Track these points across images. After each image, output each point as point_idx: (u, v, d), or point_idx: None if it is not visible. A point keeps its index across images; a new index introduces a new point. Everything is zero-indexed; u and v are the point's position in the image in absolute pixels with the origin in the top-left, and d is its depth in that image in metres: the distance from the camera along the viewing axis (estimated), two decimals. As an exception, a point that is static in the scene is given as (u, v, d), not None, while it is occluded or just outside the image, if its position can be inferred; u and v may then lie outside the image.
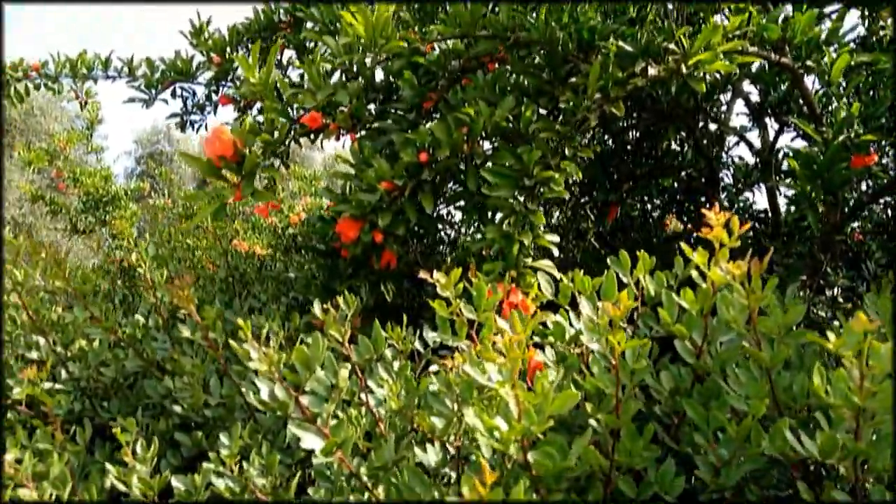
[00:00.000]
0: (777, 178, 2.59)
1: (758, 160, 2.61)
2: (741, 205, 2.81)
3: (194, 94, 2.99)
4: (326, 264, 1.90)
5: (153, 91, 2.86)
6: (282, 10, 2.65)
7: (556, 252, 1.45)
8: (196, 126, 3.07)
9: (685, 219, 2.70)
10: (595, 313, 0.98)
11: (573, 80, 1.57)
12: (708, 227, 0.85)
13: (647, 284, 1.12)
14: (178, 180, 16.81)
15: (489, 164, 1.53)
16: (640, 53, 1.57)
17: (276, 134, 1.44)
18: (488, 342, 1.08)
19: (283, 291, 2.08)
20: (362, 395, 1.15)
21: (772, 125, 2.57)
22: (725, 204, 2.72)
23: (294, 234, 7.81)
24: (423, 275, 1.13)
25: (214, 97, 3.04)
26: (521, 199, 1.45)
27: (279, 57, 2.97)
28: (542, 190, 1.46)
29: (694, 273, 1.00)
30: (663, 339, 1.07)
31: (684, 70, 1.48)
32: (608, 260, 1.16)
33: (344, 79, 1.49)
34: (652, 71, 1.54)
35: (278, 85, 1.49)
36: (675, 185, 2.48)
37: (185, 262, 2.67)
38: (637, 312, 1.13)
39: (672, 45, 1.56)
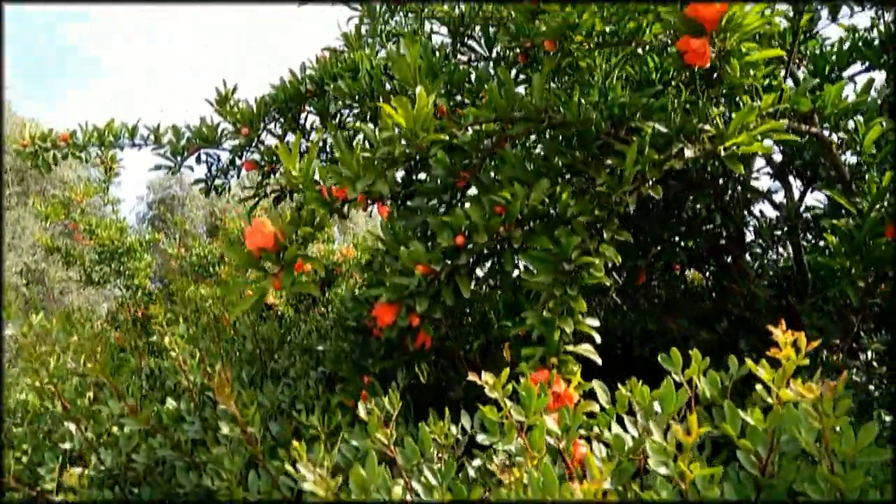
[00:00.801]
0: (803, 237, 2.57)
1: (783, 219, 2.60)
2: (766, 262, 2.78)
3: (219, 159, 3.02)
4: (357, 341, 1.88)
5: (178, 158, 2.89)
6: (308, 81, 2.69)
7: (597, 338, 1.43)
8: (219, 190, 3.09)
9: (708, 274, 2.68)
10: (655, 425, 0.96)
11: (609, 161, 1.57)
12: (776, 346, 0.83)
13: (701, 385, 1.09)
14: (189, 225, 16.95)
15: (527, 248, 1.52)
16: (675, 134, 1.57)
17: (317, 223, 1.44)
18: (540, 443, 1.06)
19: (312, 365, 2.06)
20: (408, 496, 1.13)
21: (796, 185, 2.56)
22: (749, 261, 2.70)
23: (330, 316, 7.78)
24: (471, 377, 1.11)
25: (238, 161, 3.07)
26: (561, 283, 1.44)
27: (302, 121, 3.01)
28: (582, 275, 1.44)
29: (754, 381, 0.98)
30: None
31: (722, 153, 1.48)
32: (659, 358, 1.14)
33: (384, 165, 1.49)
34: (688, 153, 1.53)
35: (317, 174, 1.50)
36: (699, 242, 2.46)
37: (207, 321, 2.64)
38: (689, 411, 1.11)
39: (707, 126, 1.57)
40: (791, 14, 1.87)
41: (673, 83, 2.02)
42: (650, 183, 1.52)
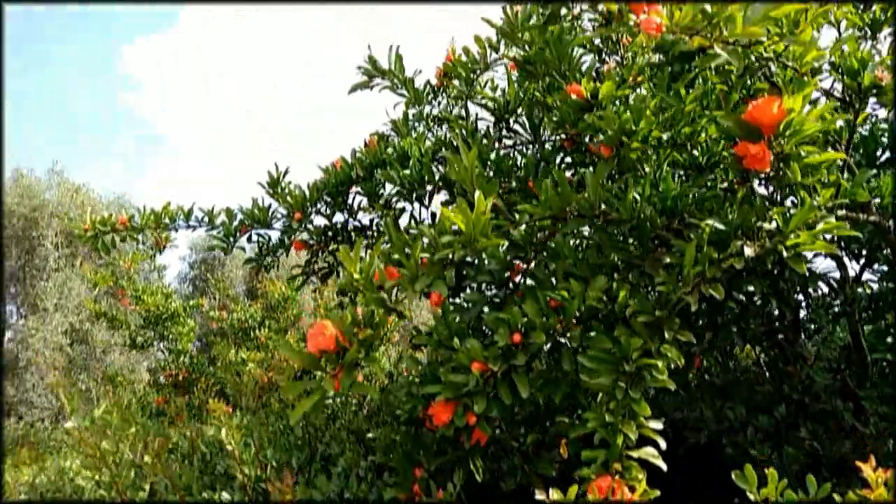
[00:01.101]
0: (860, 318, 2.51)
1: (840, 300, 2.54)
2: (824, 343, 2.71)
3: (269, 238, 3.09)
4: (409, 432, 1.87)
5: (231, 239, 2.98)
6: (358, 166, 2.77)
7: (662, 443, 1.41)
8: (269, 268, 3.15)
9: (764, 357, 2.62)
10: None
11: (666, 258, 1.57)
12: (868, 489, 0.81)
13: (779, 508, 1.06)
14: (228, 284, 17.21)
15: (586, 348, 1.51)
16: (733, 231, 1.57)
17: (376, 324, 1.46)
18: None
19: (362, 453, 2.05)
20: None
21: (852, 266, 2.52)
22: (806, 342, 2.64)
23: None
24: (538, 495, 1.10)
25: (287, 240, 3.14)
26: (623, 385, 1.42)
27: (349, 201, 3.08)
28: (644, 376, 1.43)
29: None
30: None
31: (785, 253, 1.47)
32: (733, 476, 1.11)
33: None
34: (748, 251, 1.53)
35: (377, 275, 1.53)
36: (755, 326, 2.42)
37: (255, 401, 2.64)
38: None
39: (765, 224, 1.56)
40: (847, 111, 1.87)
41: (721, 166, 2.03)
42: (710, 279, 1.51)
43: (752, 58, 1.45)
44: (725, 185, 2.22)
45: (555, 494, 1.06)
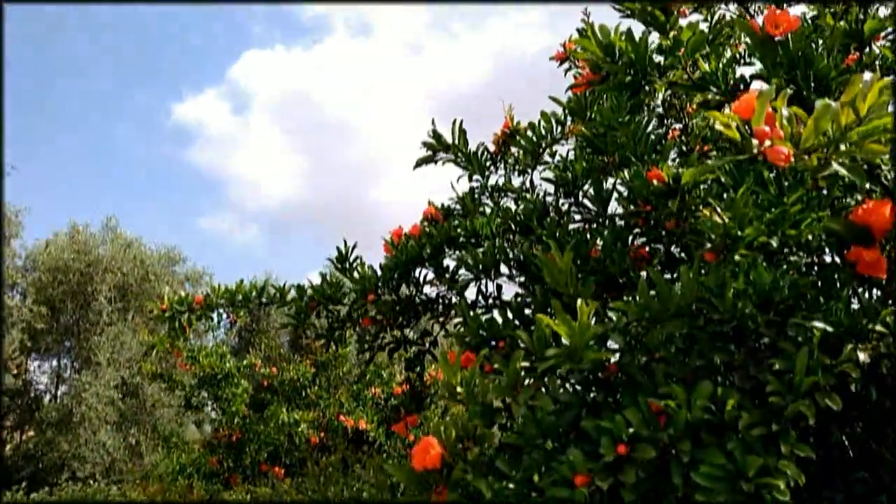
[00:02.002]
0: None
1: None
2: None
3: (339, 314, 3.11)
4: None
5: (302, 315, 3.00)
6: (428, 245, 2.78)
7: (788, 572, 1.33)
8: (337, 342, 3.16)
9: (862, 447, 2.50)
10: None
11: (775, 364, 1.51)
12: None
13: None
14: (273, 334, 17.39)
15: (696, 461, 1.45)
16: (843, 334, 1.51)
17: (481, 438, 1.43)
18: None
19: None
20: None
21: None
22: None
23: (394, 404, 7.74)
24: None
25: (354, 314, 3.16)
26: (741, 505, 1.36)
27: (417, 275, 3.09)
28: (764, 496, 1.36)
29: None
30: None
31: (904, 361, 1.40)
32: None
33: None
34: (861, 356, 1.47)
35: (477, 388, 1.51)
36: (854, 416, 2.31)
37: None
38: None
39: (878, 326, 1.50)
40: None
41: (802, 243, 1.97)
42: (825, 388, 1.45)
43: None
44: (808, 260, 2.16)
45: None
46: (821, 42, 1.84)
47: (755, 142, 1.08)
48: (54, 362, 16.33)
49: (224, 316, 3.12)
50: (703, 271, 1.91)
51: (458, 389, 1.46)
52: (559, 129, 2.95)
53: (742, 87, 2.06)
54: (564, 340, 1.43)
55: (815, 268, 2.06)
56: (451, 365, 1.48)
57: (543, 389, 1.53)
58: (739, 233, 1.52)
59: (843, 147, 1.17)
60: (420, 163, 3.26)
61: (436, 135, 3.19)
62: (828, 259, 2.11)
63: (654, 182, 2.01)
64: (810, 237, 1.59)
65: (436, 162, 3.28)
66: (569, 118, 2.93)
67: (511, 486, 1.68)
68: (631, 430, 1.51)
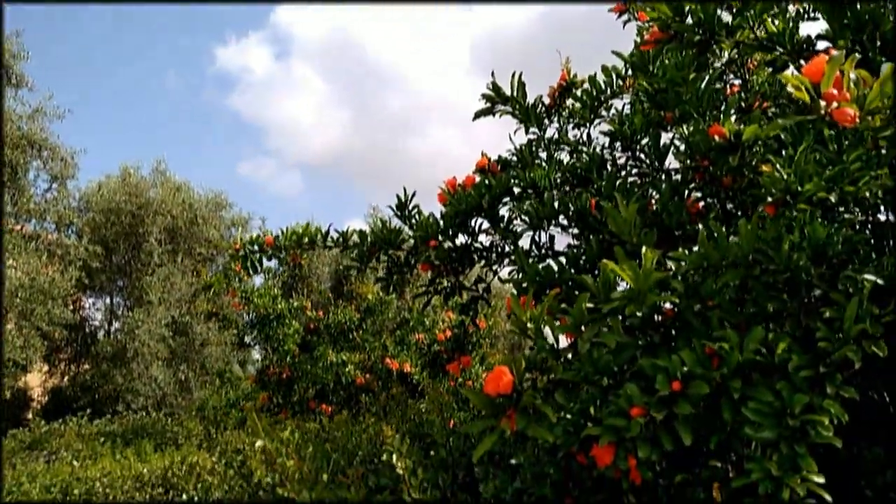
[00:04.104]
0: None
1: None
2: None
3: (398, 259, 3.27)
4: (557, 462, 1.98)
5: (363, 259, 3.17)
6: (487, 194, 2.89)
7: (828, 497, 1.46)
8: (397, 288, 3.33)
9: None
10: None
11: (826, 312, 1.61)
12: None
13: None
14: (316, 281, 17.78)
15: (746, 398, 1.57)
16: (893, 287, 1.60)
17: (549, 369, 1.57)
18: None
19: (506, 479, 2.17)
20: None
21: None
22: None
23: (437, 350, 7.94)
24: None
25: (412, 260, 3.31)
26: (787, 439, 1.48)
27: (473, 224, 3.21)
28: (808, 431, 1.48)
29: None
30: None
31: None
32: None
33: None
34: (911, 308, 1.55)
35: (546, 323, 1.65)
36: None
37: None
38: None
39: (929, 280, 1.58)
40: None
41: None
42: (872, 336, 1.55)
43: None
44: (863, 218, 2.22)
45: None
46: (889, 5, 1.86)
47: (823, 103, 1.16)
48: (108, 300, 17.05)
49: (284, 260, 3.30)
50: (760, 225, 2.00)
51: (529, 325, 1.60)
52: (618, 83, 3.00)
53: (807, 46, 2.10)
54: (629, 284, 1.55)
55: (869, 226, 2.13)
56: (521, 304, 1.62)
57: (606, 329, 1.66)
58: (800, 188, 1.60)
59: (907, 109, 1.24)
60: (479, 114, 3.34)
61: (495, 87, 3.27)
62: (882, 218, 2.18)
63: (716, 137, 2.08)
64: (867, 194, 1.67)
65: (494, 114, 3.36)
66: (628, 72, 2.97)
67: (569, 416, 1.83)
68: (685, 368, 1.63)
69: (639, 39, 3.24)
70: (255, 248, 3.09)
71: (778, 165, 1.78)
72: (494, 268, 3.29)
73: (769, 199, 1.67)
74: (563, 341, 1.92)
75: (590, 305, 1.64)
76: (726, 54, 2.97)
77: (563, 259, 2.61)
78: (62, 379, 16.01)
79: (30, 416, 13.92)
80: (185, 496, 3.09)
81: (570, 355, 1.67)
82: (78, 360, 16.41)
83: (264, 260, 3.15)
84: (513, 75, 3.25)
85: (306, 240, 3.15)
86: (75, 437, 7.68)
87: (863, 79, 1.21)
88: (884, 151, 1.75)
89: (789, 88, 1.20)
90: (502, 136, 3.55)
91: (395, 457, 1.87)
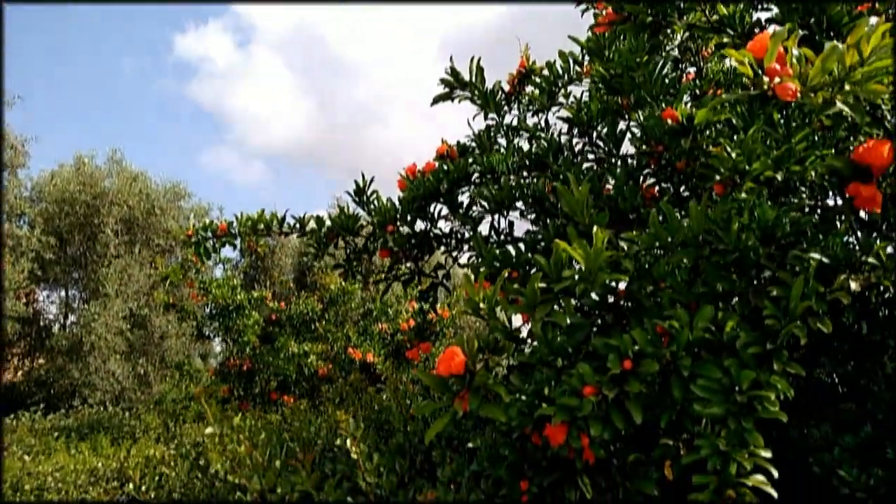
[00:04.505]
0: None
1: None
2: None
3: (356, 245, 3.24)
4: (513, 443, 1.98)
5: (321, 245, 3.13)
6: (444, 179, 2.88)
7: (775, 472, 1.49)
8: (355, 273, 3.30)
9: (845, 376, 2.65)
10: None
11: (773, 291, 1.64)
12: None
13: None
14: (277, 272, 17.60)
15: (695, 376, 1.59)
16: (838, 266, 1.63)
17: (501, 349, 1.57)
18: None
19: (463, 462, 2.17)
20: None
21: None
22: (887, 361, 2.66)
23: (400, 340, 7.92)
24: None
25: (371, 246, 3.28)
26: (734, 415, 1.51)
27: (432, 210, 3.20)
28: (755, 406, 1.50)
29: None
30: None
31: (892, 289, 1.53)
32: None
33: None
34: (853, 285, 1.59)
35: (498, 303, 1.64)
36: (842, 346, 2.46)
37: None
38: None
39: (870, 258, 1.62)
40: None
41: (807, 185, 2.08)
42: (818, 314, 1.58)
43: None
44: (811, 203, 2.27)
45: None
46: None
47: (766, 79, 1.17)
48: (63, 293, 16.59)
49: (239, 248, 3.24)
50: (710, 207, 2.02)
51: (482, 306, 1.59)
52: (575, 68, 3.01)
53: (758, 30, 2.13)
54: (579, 264, 1.56)
55: (818, 210, 2.18)
56: (474, 285, 1.61)
57: (559, 309, 1.67)
58: (748, 167, 1.63)
59: (847, 87, 1.26)
60: (437, 99, 3.32)
61: (454, 72, 3.25)
62: (829, 203, 2.23)
63: (669, 121, 2.10)
64: (813, 174, 1.70)
65: (452, 99, 3.35)
66: (586, 58, 2.98)
67: (523, 398, 1.83)
68: (636, 347, 1.65)
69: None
70: (209, 234, 3.02)
71: (727, 147, 1.80)
72: (454, 254, 3.28)
73: (717, 178, 1.68)
74: (517, 323, 1.93)
75: (542, 285, 1.64)
76: (679, 38, 3.00)
77: (521, 245, 2.61)
78: (15, 374, 15.54)
79: (-20, 412, 13.50)
80: (132, 487, 3.02)
81: (524, 336, 1.67)
82: (32, 354, 15.94)
83: (218, 247, 3.09)
84: (471, 60, 3.23)
85: (262, 226, 3.10)
86: (28, 432, 7.46)
87: (806, 56, 1.22)
88: (829, 134, 1.78)
89: (733, 62, 1.21)
90: (478, 121, 3.56)
91: (349, 441, 1.84)
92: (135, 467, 4.23)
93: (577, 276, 1.59)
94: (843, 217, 1.71)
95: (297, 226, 3.14)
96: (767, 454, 1.51)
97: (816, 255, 1.65)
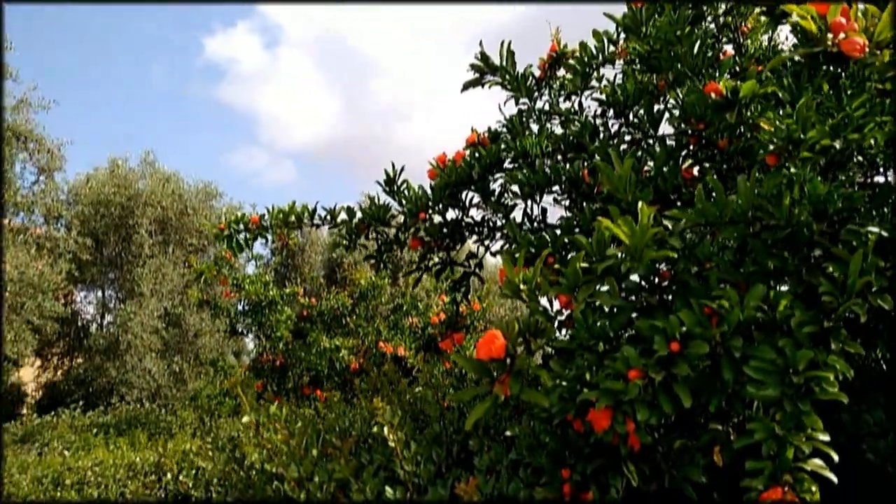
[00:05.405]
0: None
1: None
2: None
3: (387, 235, 3.20)
4: (556, 433, 1.92)
5: (353, 236, 3.09)
6: (477, 165, 2.82)
7: (835, 456, 1.41)
8: (387, 265, 3.27)
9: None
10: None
11: (828, 267, 1.55)
12: None
13: None
14: (308, 269, 17.73)
15: (747, 358, 1.52)
16: (898, 239, 1.54)
17: (542, 332, 1.51)
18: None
19: (501, 451, 2.11)
20: None
21: None
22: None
23: (431, 333, 7.88)
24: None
25: (402, 236, 3.24)
26: (790, 397, 1.43)
27: (464, 198, 3.14)
28: (813, 388, 1.43)
29: None
30: None
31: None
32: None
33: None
34: (917, 259, 1.50)
35: (538, 284, 1.58)
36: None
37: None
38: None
39: (935, 232, 1.52)
40: None
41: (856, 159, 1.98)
42: (878, 291, 1.49)
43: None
44: (862, 179, 2.16)
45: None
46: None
47: (830, 35, 1.09)
48: (99, 293, 16.91)
49: (270, 245, 3.23)
50: (759, 183, 1.93)
51: (522, 287, 1.53)
52: (610, 48, 2.92)
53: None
54: (625, 241, 1.49)
55: (868, 187, 2.07)
56: (513, 266, 1.55)
57: (603, 289, 1.60)
58: (802, 136, 1.54)
59: (915, 44, 1.18)
60: (467, 85, 3.26)
61: (483, 56, 3.19)
62: (880, 179, 2.12)
63: (712, 95, 2.01)
64: (872, 142, 1.60)
65: (483, 85, 3.28)
66: (621, 37, 2.90)
67: (564, 383, 1.77)
68: (684, 328, 1.58)
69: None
70: (241, 227, 3.01)
71: (777, 120, 1.71)
72: (486, 242, 3.23)
73: (770, 147, 1.60)
74: (557, 306, 1.87)
75: (584, 266, 1.57)
76: (722, 8, 2.89)
77: (557, 231, 2.54)
78: (55, 373, 15.90)
79: (24, 411, 13.83)
80: (170, 477, 3.04)
81: (565, 320, 1.61)
82: (71, 353, 16.29)
83: (250, 240, 3.07)
84: (501, 44, 3.16)
85: (293, 218, 3.08)
86: (68, 428, 7.60)
87: (871, 13, 1.14)
88: (888, 101, 1.68)
89: (794, 18, 1.13)
90: (509, 106, 3.50)
91: (386, 429, 1.80)
92: (172, 460, 4.27)
93: (621, 255, 1.52)
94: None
95: (328, 217, 3.11)
96: (825, 437, 1.44)
97: (875, 229, 1.56)
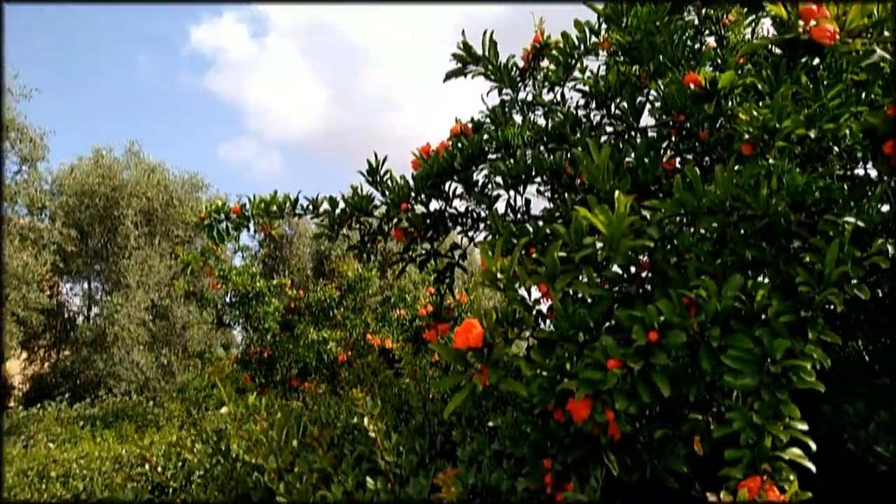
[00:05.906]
0: None
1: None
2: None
3: (370, 225, 3.19)
4: (537, 423, 1.93)
5: (335, 226, 3.08)
6: (459, 155, 2.81)
7: (812, 445, 1.42)
8: (370, 255, 3.25)
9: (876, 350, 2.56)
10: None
11: (806, 257, 1.56)
12: None
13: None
14: (296, 261, 17.66)
15: (725, 347, 1.52)
16: (874, 230, 1.55)
17: (520, 321, 1.51)
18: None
19: (484, 441, 2.12)
20: None
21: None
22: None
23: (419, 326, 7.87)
24: (710, 497, 1.13)
25: (386, 227, 3.23)
26: (768, 386, 1.44)
27: (447, 188, 3.13)
28: (790, 377, 1.44)
29: None
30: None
31: (934, 253, 1.45)
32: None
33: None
34: (892, 249, 1.51)
35: (516, 273, 1.58)
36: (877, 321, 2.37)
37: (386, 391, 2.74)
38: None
39: (910, 222, 1.53)
40: None
41: (835, 152, 1.98)
42: (854, 280, 1.50)
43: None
44: (841, 171, 2.17)
45: (712, 497, 1.10)
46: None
47: (801, 22, 1.09)
48: (85, 285, 16.79)
49: (256, 236, 3.21)
50: (737, 173, 1.94)
51: (499, 276, 1.53)
52: (592, 39, 2.92)
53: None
54: (602, 230, 1.49)
55: (847, 178, 2.08)
56: (491, 255, 1.55)
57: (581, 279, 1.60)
58: (778, 125, 1.54)
59: (886, 32, 1.18)
60: (450, 75, 3.24)
61: (466, 46, 3.16)
62: (859, 172, 2.13)
63: (691, 86, 2.01)
64: (847, 132, 1.61)
65: (465, 75, 3.26)
66: (602, 28, 2.89)
67: (545, 373, 1.77)
68: (662, 318, 1.58)
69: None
70: (221, 216, 2.99)
71: (754, 109, 1.72)
72: (470, 233, 3.22)
73: (746, 137, 1.60)
74: (536, 295, 1.87)
75: (562, 255, 1.57)
76: (702, 6, 2.89)
77: (539, 221, 2.54)
78: (42, 365, 15.80)
79: (11, 403, 13.75)
80: (148, 468, 3.02)
81: (547, 312, 1.61)
82: (58, 346, 16.18)
83: (231, 230, 3.05)
84: (484, 34, 3.14)
85: (274, 208, 3.05)
86: (54, 421, 7.56)
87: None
88: (863, 92, 1.69)
89: (757, 29, 1.13)
90: (492, 97, 3.48)
91: (366, 420, 1.80)
92: (157, 453, 4.25)
93: (598, 244, 1.52)
94: (881, 179, 1.62)
95: (311, 207, 3.10)
96: (804, 426, 1.45)
97: (851, 219, 1.57)
